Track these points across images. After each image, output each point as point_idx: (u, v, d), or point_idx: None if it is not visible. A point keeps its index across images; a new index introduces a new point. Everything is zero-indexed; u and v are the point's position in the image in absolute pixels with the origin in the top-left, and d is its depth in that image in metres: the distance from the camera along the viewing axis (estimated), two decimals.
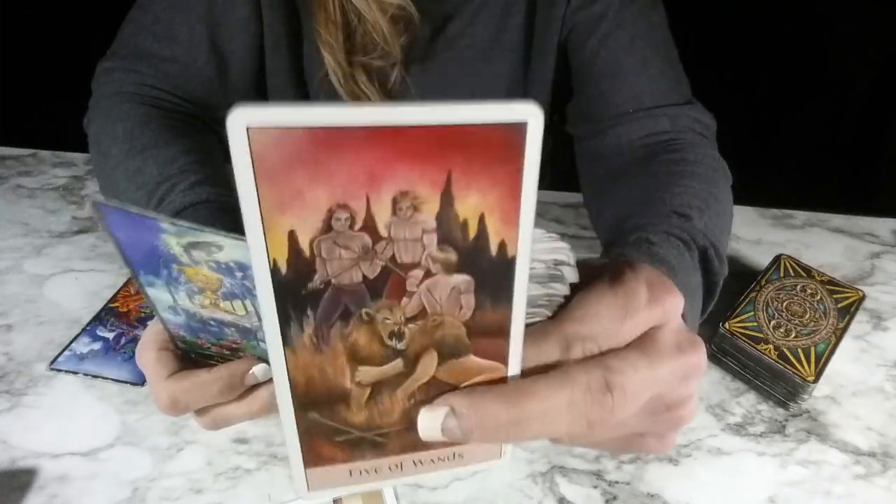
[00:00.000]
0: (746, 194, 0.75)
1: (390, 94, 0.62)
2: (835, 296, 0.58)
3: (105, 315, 0.59)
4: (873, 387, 0.55)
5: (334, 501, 0.45)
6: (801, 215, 0.77)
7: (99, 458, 0.47)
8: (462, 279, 0.20)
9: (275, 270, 0.18)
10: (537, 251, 0.24)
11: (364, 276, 0.19)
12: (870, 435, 0.51)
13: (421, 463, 0.25)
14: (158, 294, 0.31)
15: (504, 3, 0.63)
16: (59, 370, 0.53)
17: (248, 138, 0.16)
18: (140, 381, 0.52)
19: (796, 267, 0.61)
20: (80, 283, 0.63)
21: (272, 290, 0.19)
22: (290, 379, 0.21)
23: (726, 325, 0.54)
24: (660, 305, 0.26)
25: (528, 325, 0.23)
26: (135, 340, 0.56)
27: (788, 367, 0.51)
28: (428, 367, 0.22)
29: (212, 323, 0.33)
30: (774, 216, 0.77)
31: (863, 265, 0.69)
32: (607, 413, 0.23)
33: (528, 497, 0.46)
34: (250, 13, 0.58)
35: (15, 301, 0.60)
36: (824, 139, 1.44)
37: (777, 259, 0.62)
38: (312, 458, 0.23)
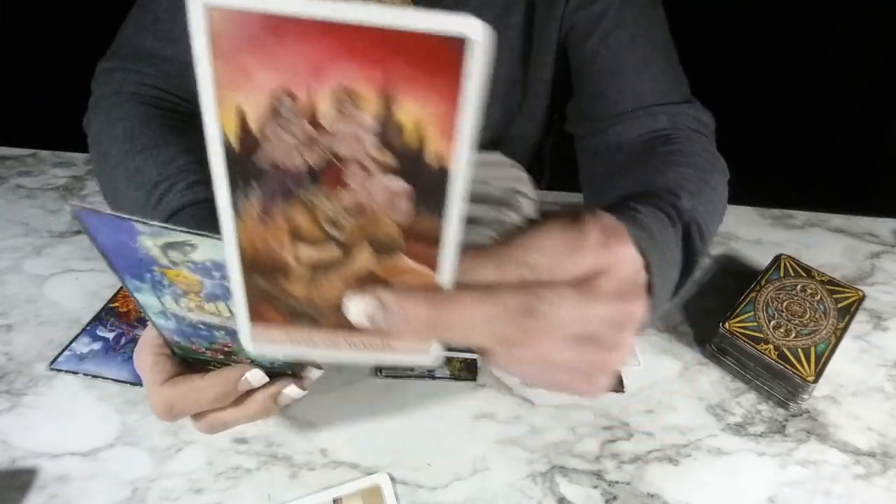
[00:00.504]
0: (746, 194, 0.75)
1: None
2: (835, 296, 0.58)
3: (105, 315, 0.59)
4: (873, 387, 0.55)
5: (334, 501, 0.45)
6: (801, 215, 0.77)
7: (99, 458, 0.47)
8: (398, 182, 0.21)
9: (226, 143, 0.20)
10: (496, 176, 0.26)
11: (306, 162, 0.21)
12: (870, 435, 0.51)
13: (353, 345, 0.26)
14: (147, 299, 0.33)
15: (504, 2, 0.63)
16: (60, 370, 0.53)
17: (207, 16, 0.17)
18: (140, 381, 0.52)
19: (796, 267, 0.61)
20: (80, 283, 0.63)
21: (223, 159, 0.20)
22: (238, 243, 0.23)
23: (726, 325, 0.54)
24: (609, 252, 0.26)
25: (473, 244, 0.24)
26: (134, 340, 0.56)
27: (788, 367, 0.51)
28: (362, 259, 0.23)
29: (201, 326, 0.34)
30: (774, 216, 0.77)
31: (863, 265, 0.69)
32: (524, 336, 0.25)
33: (528, 497, 0.46)
34: None
35: (15, 301, 0.60)
36: (824, 139, 1.44)
37: (777, 259, 0.62)
38: (256, 316, 0.25)
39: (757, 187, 0.75)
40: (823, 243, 0.72)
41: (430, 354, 0.27)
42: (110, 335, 0.57)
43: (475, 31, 0.18)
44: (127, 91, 0.57)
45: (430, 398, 0.52)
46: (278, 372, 0.39)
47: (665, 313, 0.62)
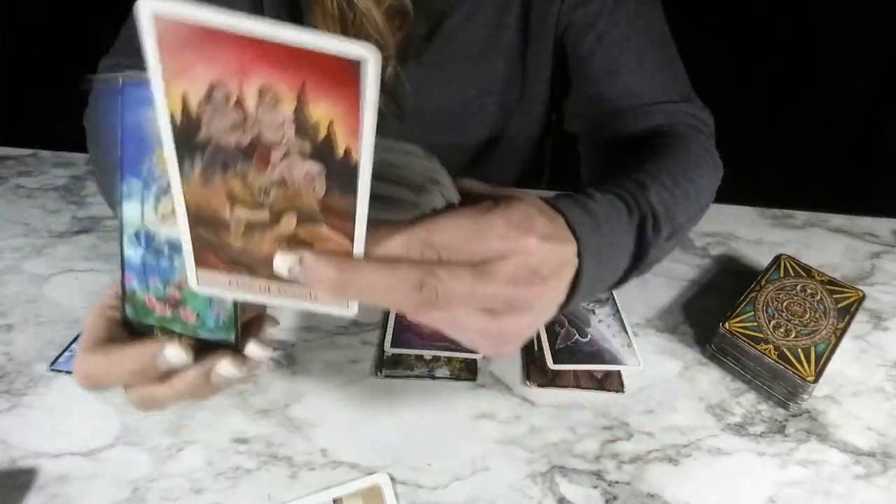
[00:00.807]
0: (746, 194, 0.75)
1: (385, 89, 0.63)
2: (835, 296, 0.58)
3: None
4: (873, 387, 0.55)
5: (334, 501, 0.45)
6: (801, 215, 0.77)
7: (99, 458, 0.47)
8: (315, 166, 0.25)
9: (173, 120, 0.24)
10: (415, 164, 0.30)
11: (238, 143, 0.25)
12: (870, 435, 0.51)
13: (284, 292, 0.31)
14: (130, 212, 0.33)
15: (501, 0, 0.63)
16: (60, 371, 0.53)
17: (154, 22, 0.21)
18: None
19: (796, 267, 0.61)
20: (80, 283, 0.63)
21: (170, 133, 0.25)
22: (183, 200, 0.27)
23: (726, 325, 0.54)
24: (509, 242, 0.30)
25: (389, 222, 0.29)
26: None
27: (788, 367, 0.51)
28: (288, 223, 0.28)
29: (164, 252, 0.34)
30: (774, 216, 0.77)
31: (863, 265, 0.69)
32: (418, 305, 0.29)
33: (528, 497, 0.46)
34: (251, 9, 0.60)
35: (15, 301, 0.60)
36: (824, 139, 1.44)
37: (777, 259, 0.62)
38: (201, 261, 0.30)
39: (757, 187, 0.75)
40: (823, 243, 0.72)
41: (349, 309, 0.31)
42: None
43: (367, 55, 0.22)
44: None
45: (430, 398, 0.52)
46: (222, 345, 0.37)
47: (665, 313, 0.62)
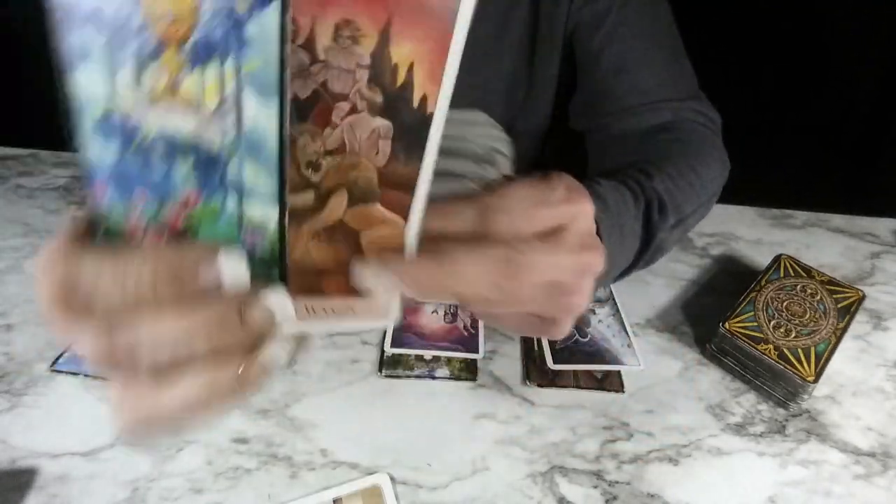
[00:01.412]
0: (746, 194, 0.75)
1: None
2: (835, 296, 0.58)
3: None
4: (873, 387, 0.55)
5: (334, 501, 0.45)
6: (801, 215, 0.77)
7: (99, 458, 0.47)
8: (383, 123, 0.21)
9: None
10: (479, 134, 0.28)
11: (295, 95, 0.20)
12: (870, 435, 0.51)
13: (314, 310, 0.25)
14: (91, 83, 0.21)
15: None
16: (60, 371, 0.53)
17: None
18: None
19: (796, 267, 0.61)
20: None
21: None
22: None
23: (726, 325, 0.54)
24: (573, 205, 0.29)
25: (456, 195, 0.26)
26: None
27: (788, 367, 0.51)
28: (337, 207, 0.23)
29: (158, 150, 0.22)
30: (774, 216, 0.77)
31: (863, 265, 0.69)
32: (511, 282, 0.26)
33: (528, 497, 0.46)
34: None
35: (15, 301, 0.60)
36: (825, 139, 1.44)
37: (777, 259, 0.62)
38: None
39: (757, 187, 0.75)
40: (823, 243, 0.72)
41: (392, 314, 0.27)
42: None
43: None
44: None
45: (430, 398, 0.52)
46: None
47: (665, 313, 0.62)
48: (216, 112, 0.21)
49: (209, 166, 0.22)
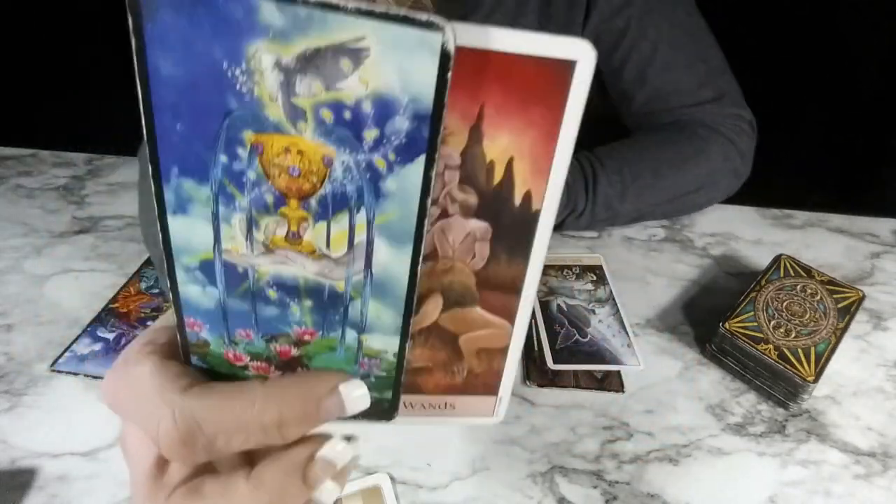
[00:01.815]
0: (746, 194, 0.75)
1: None
2: (835, 296, 0.58)
3: (105, 316, 0.59)
4: (873, 387, 0.55)
5: (334, 501, 0.45)
6: (801, 215, 0.77)
7: (99, 458, 0.47)
8: (479, 225, 0.20)
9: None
10: None
11: None
12: (870, 435, 0.51)
13: (412, 406, 0.24)
14: (188, 232, 0.18)
15: (515, 4, 0.65)
16: (61, 371, 0.53)
17: None
18: None
19: (796, 267, 0.61)
20: (80, 283, 0.63)
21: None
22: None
23: (726, 325, 0.54)
24: None
25: None
26: None
27: (788, 367, 0.51)
28: (431, 311, 0.21)
29: (271, 292, 0.19)
30: (774, 216, 0.77)
31: (863, 265, 0.69)
32: None
33: (528, 497, 0.46)
34: None
35: (15, 301, 0.60)
36: (825, 139, 1.44)
37: (777, 259, 0.62)
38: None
39: (757, 187, 0.75)
40: (823, 243, 0.72)
41: (498, 414, 0.25)
42: (110, 336, 0.57)
43: (586, 55, 0.16)
44: None
45: None
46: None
47: (665, 313, 0.62)
48: (342, 259, 0.19)
49: (329, 307, 0.20)
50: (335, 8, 0.14)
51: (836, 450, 0.50)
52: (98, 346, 0.55)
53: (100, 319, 0.58)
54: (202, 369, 0.22)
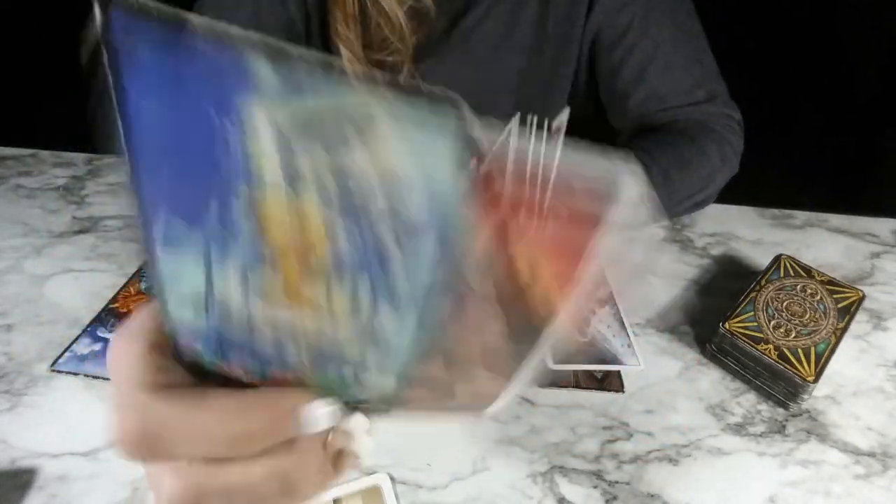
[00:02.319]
0: (746, 194, 0.75)
1: None
2: (835, 296, 0.58)
3: (105, 316, 0.59)
4: (873, 387, 0.55)
5: (334, 501, 0.45)
6: (801, 215, 0.77)
7: (99, 458, 0.47)
8: (493, 309, 0.19)
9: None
10: None
11: None
12: (870, 435, 0.51)
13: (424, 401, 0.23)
14: (179, 269, 0.18)
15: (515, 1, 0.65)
16: (61, 371, 0.53)
17: None
18: None
19: (796, 267, 0.61)
20: (80, 283, 0.63)
21: None
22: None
23: (726, 325, 0.54)
24: None
25: None
26: None
27: (788, 367, 0.51)
28: (433, 368, 0.21)
29: (268, 332, 0.19)
30: (774, 216, 0.77)
31: (863, 265, 0.69)
32: None
33: (528, 497, 0.46)
34: (289, 21, 0.63)
35: (15, 301, 0.60)
36: (825, 139, 1.44)
37: (777, 259, 0.62)
38: None
39: (757, 187, 0.75)
40: (823, 243, 0.72)
41: (496, 406, 0.23)
42: (110, 336, 0.57)
43: (628, 172, 0.15)
44: None
45: None
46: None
47: (665, 313, 0.62)
48: (342, 316, 0.18)
49: (329, 359, 0.19)
50: (336, 71, 0.13)
51: (836, 450, 0.50)
52: (98, 346, 0.55)
53: (100, 319, 0.58)
54: (187, 362, 0.21)
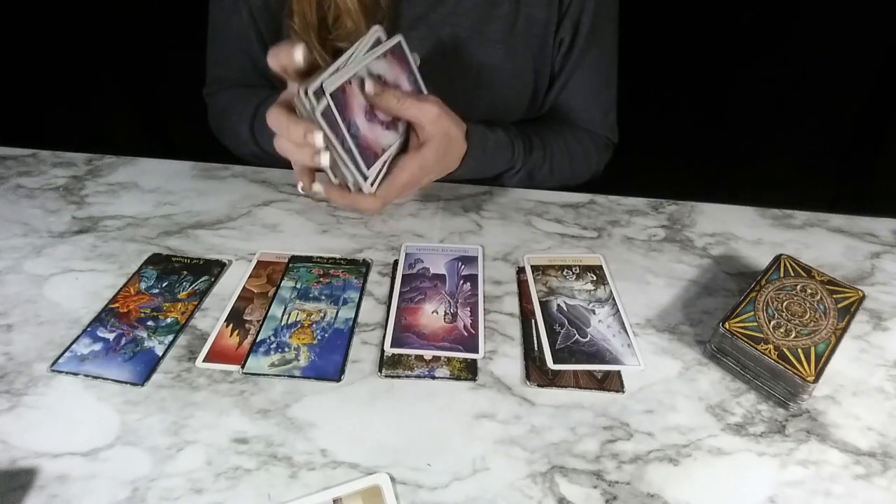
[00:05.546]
0: (746, 194, 0.75)
1: None
2: (835, 296, 0.58)
3: (105, 316, 0.59)
4: (873, 387, 0.55)
5: (334, 501, 0.45)
6: (801, 215, 0.77)
7: (99, 458, 0.47)
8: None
9: None
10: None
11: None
12: (870, 435, 0.51)
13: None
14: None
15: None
16: (61, 371, 0.53)
17: None
18: (140, 381, 0.52)
19: (796, 267, 0.61)
20: (80, 283, 0.63)
21: None
22: None
23: (726, 325, 0.54)
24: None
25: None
26: (135, 341, 0.56)
27: (788, 367, 0.51)
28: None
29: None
30: (774, 216, 0.77)
31: (863, 265, 0.69)
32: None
33: (528, 497, 0.46)
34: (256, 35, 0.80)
35: (15, 301, 0.60)
36: (825, 139, 1.44)
37: (777, 259, 0.62)
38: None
39: (757, 187, 0.75)
40: (823, 243, 0.72)
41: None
42: (110, 336, 0.57)
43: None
44: (224, 90, 0.86)
45: (430, 398, 0.52)
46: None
47: (665, 313, 0.62)
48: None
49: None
50: None
51: (836, 450, 0.50)
52: (98, 346, 0.55)
53: (100, 319, 0.58)
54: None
